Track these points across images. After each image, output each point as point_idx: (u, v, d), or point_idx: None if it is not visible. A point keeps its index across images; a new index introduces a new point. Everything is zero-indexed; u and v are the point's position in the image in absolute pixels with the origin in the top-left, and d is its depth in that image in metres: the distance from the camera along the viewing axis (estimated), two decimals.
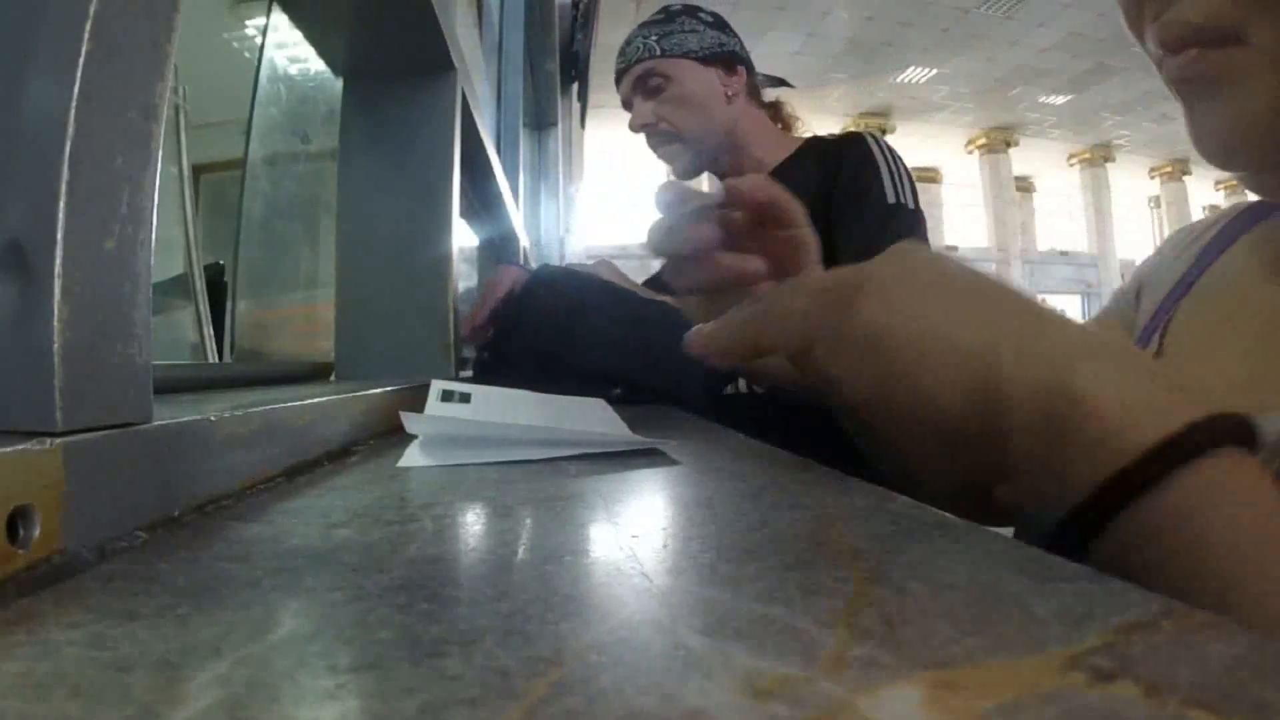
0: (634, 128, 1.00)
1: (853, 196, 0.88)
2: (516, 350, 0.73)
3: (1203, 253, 0.41)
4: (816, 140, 0.99)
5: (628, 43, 1.00)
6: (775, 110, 1.05)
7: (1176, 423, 0.21)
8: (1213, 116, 0.30)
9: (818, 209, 0.88)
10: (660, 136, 0.99)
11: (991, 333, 0.24)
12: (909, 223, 0.86)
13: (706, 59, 0.97)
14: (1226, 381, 0.33)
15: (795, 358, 0.29)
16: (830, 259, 0.82)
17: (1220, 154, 0.30)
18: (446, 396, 0.42)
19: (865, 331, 0.26)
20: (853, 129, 1.01)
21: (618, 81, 1.02)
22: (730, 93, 0.98)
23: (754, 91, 1.01)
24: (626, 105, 1.02)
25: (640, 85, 0.99)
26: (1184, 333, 0.38)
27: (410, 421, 0.34)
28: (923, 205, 0.90)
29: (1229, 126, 0.29)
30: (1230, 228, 0.41)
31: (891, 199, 0.86)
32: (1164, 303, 0.41)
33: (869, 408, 0.27)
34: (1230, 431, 0.21)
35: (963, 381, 0.24)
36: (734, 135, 0.99)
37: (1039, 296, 0.27)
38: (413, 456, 0.32)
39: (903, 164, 0.91)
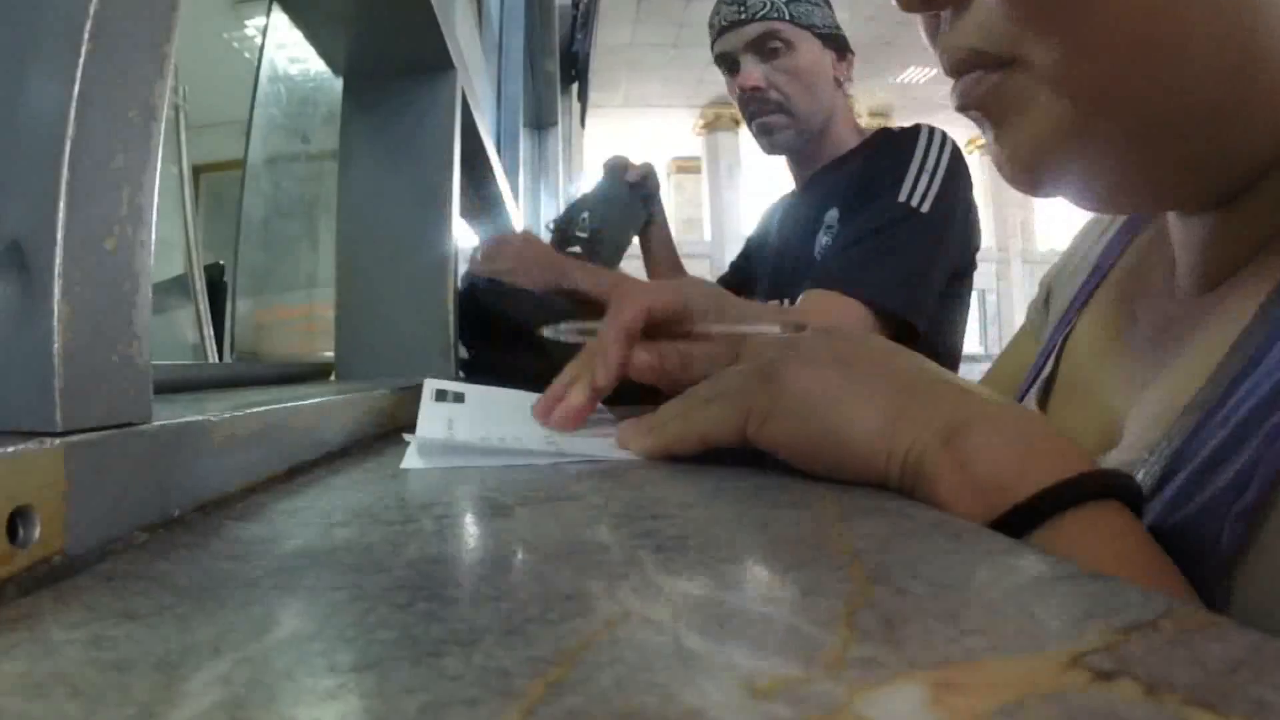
0: (745, 86, 0.93)
1: (867, 185, 0.85)
2: (498, 356, 0.71)
3: (1101, 258, 0.41)
4: (885, 130, 0.96)
5: None
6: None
7: (1011, 499, 0.23)
8: (1004, 142, 0.29)
9: (850, 192, 0.87)
10: (763, 103, 0.93)
11: (906, 407, 0.27)
12: (912, 226, 0.82)
13: (825, 38, 0.93)
14: (1113, 402, 0.33)
15: (732, 436, 0.31)
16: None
17: (1022, 179, 0.30)
18: (440, 396, 0.41)
19: (796, 400, 0.29)
20: (923, 123, 0.92)
21: (723, 30, 0.94)
22: (840, 79, 0.95)
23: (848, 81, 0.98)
24: (726, 59, 0.95)
25: (757, 45, 0.92)
26: (1079, 350, 0.39)
27: (413, 453, 0.32)
28: None
29: (1023, 153, 0.29)
30: (1123, 233, 0.41)
31: (902, 197, 0.82)
32: (1065, 314, 0.42)
33: (804, 460, 0.29)
34: (1089, 485, 0.23)
35: (869, 455, 0.27)
36: (830, 124, 0.95)
37: (932, 370, 0.31)
38: (414, 457, 0.31)
39: (945, 165, 0.85)
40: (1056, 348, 0.40)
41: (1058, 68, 0.26)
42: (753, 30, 0.92)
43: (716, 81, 1.00)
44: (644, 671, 0.11)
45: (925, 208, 0.82)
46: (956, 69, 0.29)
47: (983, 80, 0.28)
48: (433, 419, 0.38)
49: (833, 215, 0.90)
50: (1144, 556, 0.23)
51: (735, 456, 0.32)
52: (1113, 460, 0.29)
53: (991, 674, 0.11)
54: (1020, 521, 0.23)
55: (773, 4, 0.91)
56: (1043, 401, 0.39)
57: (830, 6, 0.96)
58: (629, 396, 0.70)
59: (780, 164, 1.04)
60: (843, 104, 0.97)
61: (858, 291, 0.78)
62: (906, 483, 0.26)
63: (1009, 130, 0.29)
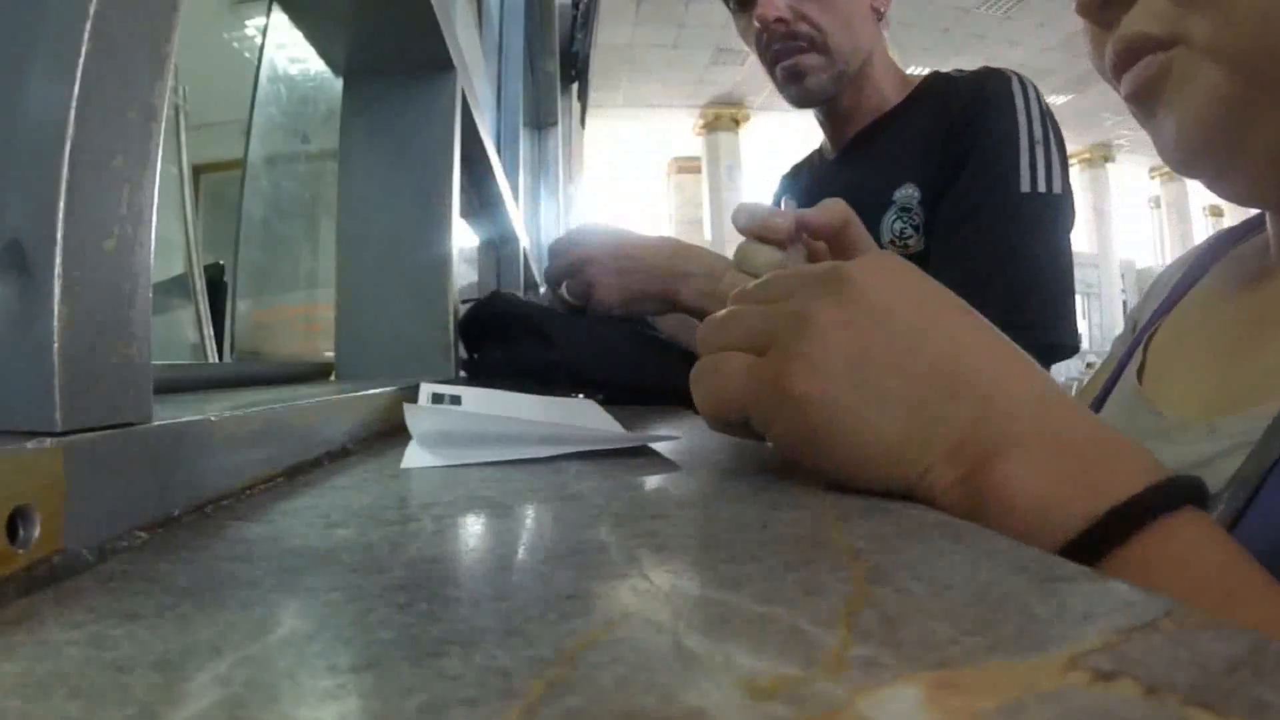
0: (767, 17, 0.75)
1: (974, 172, 0.68)
2: (497, 359, 0.71)
3: (1180, 281, 0.43)
4: (942, 77, 0.80)
5: None
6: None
7: (1100, 506, 0.21)
8: (1168, 122, 0.30)
9: (931, 167, 0.71)
10: (793, 41, 0.77)
11: (920, 426, 0.24)
12: (1036, 220, 0.67)
13: None
14: (1198, 383, 0.34)
15: (730, 428, 0.30)
16: (931, 233, 0.70)
17: (1181, 159, 0.31)
18: (437, 399, 0.41)
19: (798, 409, 0.26)
20: (989, 65, 0.75)
21: None
22: (881, 9, 0.79)
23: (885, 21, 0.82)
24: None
25: None
26: (1162, 344, 0.40)
27: (412, 415, 0.34)
28: None
29: (1183, 128, 0.30)
30: (1204, 257, 0.43)
31: (1025, 185, 0.67)
32: (1151, 319, 0.43)
33: (805, 460, 0.27)
34: (1166, 494, 0.21)
35: (890, 471, 0.25)
36: (869, 66, 0.79)
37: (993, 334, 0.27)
38: (414, 457, 0.31)
39: (1050, 122, 0.70)
40: (1143, 343, 0.41)
41: (1217, 39, 0.27)
42: None
43: (716, 82, 0.93)
44: (644, 671, 0.11)
45: (1047, 186, 0.67)
46: (1125, 59, 0.30)
47: (1150, 63, 0.29)
48: (429, 420, 0.38)
49: (908, 195, 0.74)
50: (1234, 568, 0.21)
51: (735, 455, 0.32)
52: (1234, 426, 0.29)
53: (991, 674, 0.11)
54: (1082, 552, 0.20)
55: None
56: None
57: None
58: (631, 398, 0.70)
59: (778, 161, 0.97)
60: (882, 42, 0.81)
61: (1020, 332, 0.68)
62: (959, 509, 0.23)
63: (1175, 109, 0.29)
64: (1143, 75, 0.30)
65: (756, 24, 0.77)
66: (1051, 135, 0.70)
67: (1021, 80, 0.72)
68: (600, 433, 0.35)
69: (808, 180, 0.92)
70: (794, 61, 0.78)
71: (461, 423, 0.35)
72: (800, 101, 0.82)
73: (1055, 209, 0.68)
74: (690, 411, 0.61)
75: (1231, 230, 0.42)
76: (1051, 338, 0.67)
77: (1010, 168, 0.68)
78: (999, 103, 0.71)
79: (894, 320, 0.26)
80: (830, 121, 0.85)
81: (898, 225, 0.74)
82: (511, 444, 0.33)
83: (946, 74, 0.80)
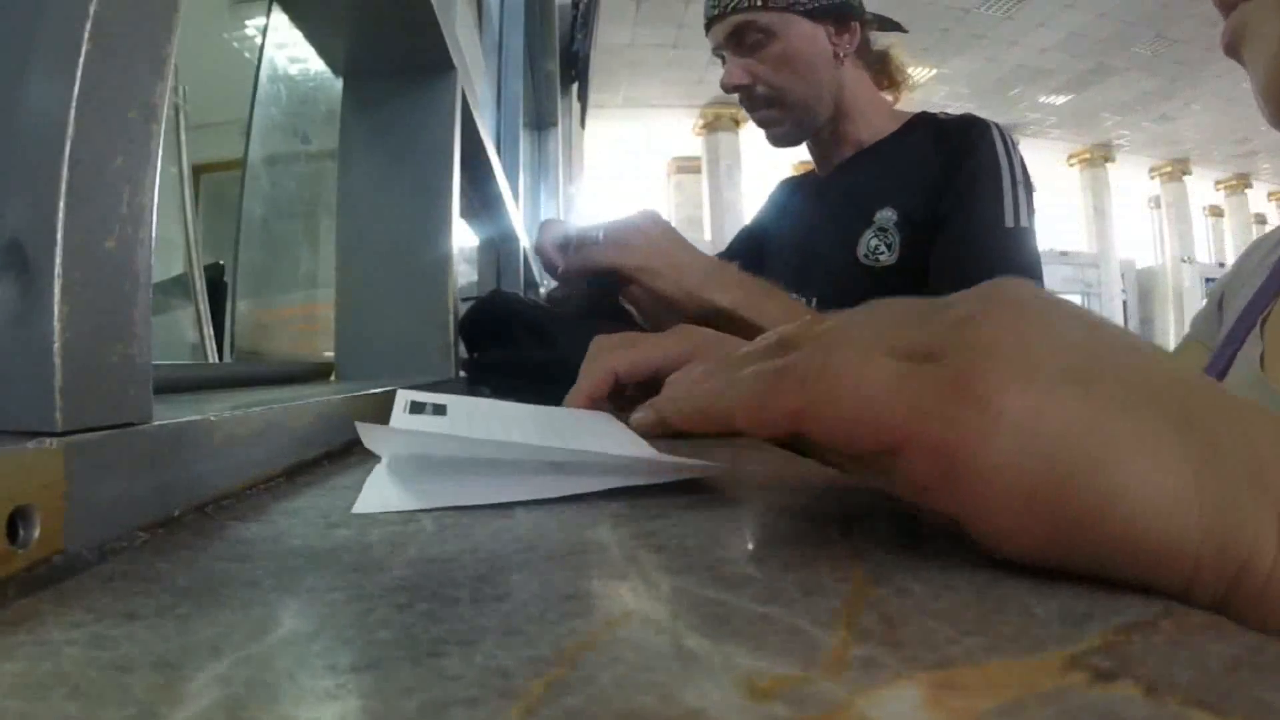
0: (727, 87, 0.87)
1: (966, 212, 0.78)
2: (497, 359, 0.70)
3: None
4: (929, 118, 0.88)
5: None
6: (883, 64, 0.91)
7: None
8: (1252, 72, 0.30)
9: (930, 208, 0.80)
10: (753, 100, 0.87)
11: (1179, 479, 0.15)
12: (1020, 248, 0.77)
13: (815, 13, 0.84)
14: None
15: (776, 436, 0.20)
16: (923, 272, 0.73)
17: (1262, 107, 0.31)
18: (416, 408, 0.33)
19: (1022, 438, 0.15)
20: (971, 112, 0.85)
21: (708, 27, 0.88)
22: (841, 53, 0.86)
23: (864, 47, 0.88)
24: (718, 55, 0.89)
25: (735, 39, 0.85)
26: None
27: (371, 437, 0.26)
28: None
29: (1257, 78, 0.30)
30: None
31: (1009, 221, 0.77)
32: (1256, 298, 0.41)
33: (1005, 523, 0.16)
34: None
35: (1161, 552, 0.15)
36: (840, 102, 0.87)
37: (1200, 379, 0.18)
38: (375, 494, 0.23)
39: (1024, 166, 0.80)
40: (1257, 325, 0.40)
41: None
42: (730, 23, 0.85)
43: (715, 81, 0.95)
44: (644, 671, 0.11)
45: (1025, 221, 0.78)
46: (1223, 14, 0.31)
47: (1233, 17, 0.31)
48: (402, 441, 0.29)
49: (887, 217, 0.82)
50: None
51: (735, 455, 0.32)
52: None
53: (991, 674, 0.11)
54: None
55: None
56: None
57: None
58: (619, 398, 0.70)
59: (778, 161, 1.01)
60: (855, 77, 0.88)
61: None
62: (1219, 587, 0.15)
63: (1251, 60, 0.30)
64: (1228, 29, 0.31)
65: (722, 88, 0.88)
66: (1025, 176, 0.80)
67: (999, 128, 0.83)
68: (628, 461, 0.26)
69: (802, 196, 0.99)
70: (759, 117, 0.89)
71: (442, 447, 0.27)
72: (776, 145, 0.92)
73: (1031, 238, 0.79)
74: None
75: None
76: None
77: (997, 205, 0.78)
78: (985, 147, 0.80)
79: (1093, 319, 0.18)
80: (818, 149, 0.94)
81: (874, 242, 0.83)
82: (514, 477, 0.25)
83: (933, 115, 0.89)
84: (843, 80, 0.87)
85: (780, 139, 0.91)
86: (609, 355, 0.41)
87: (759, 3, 0.84)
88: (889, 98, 0.93)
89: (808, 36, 0.85)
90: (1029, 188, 0.80)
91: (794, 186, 1.03)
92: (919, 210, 0.80)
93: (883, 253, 0.82)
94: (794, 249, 0.92)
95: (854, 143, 0.89)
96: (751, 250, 0.99)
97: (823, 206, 0.91)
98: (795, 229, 0.95)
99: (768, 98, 0.86)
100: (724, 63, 0.89)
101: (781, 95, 0.86)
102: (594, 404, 0.41)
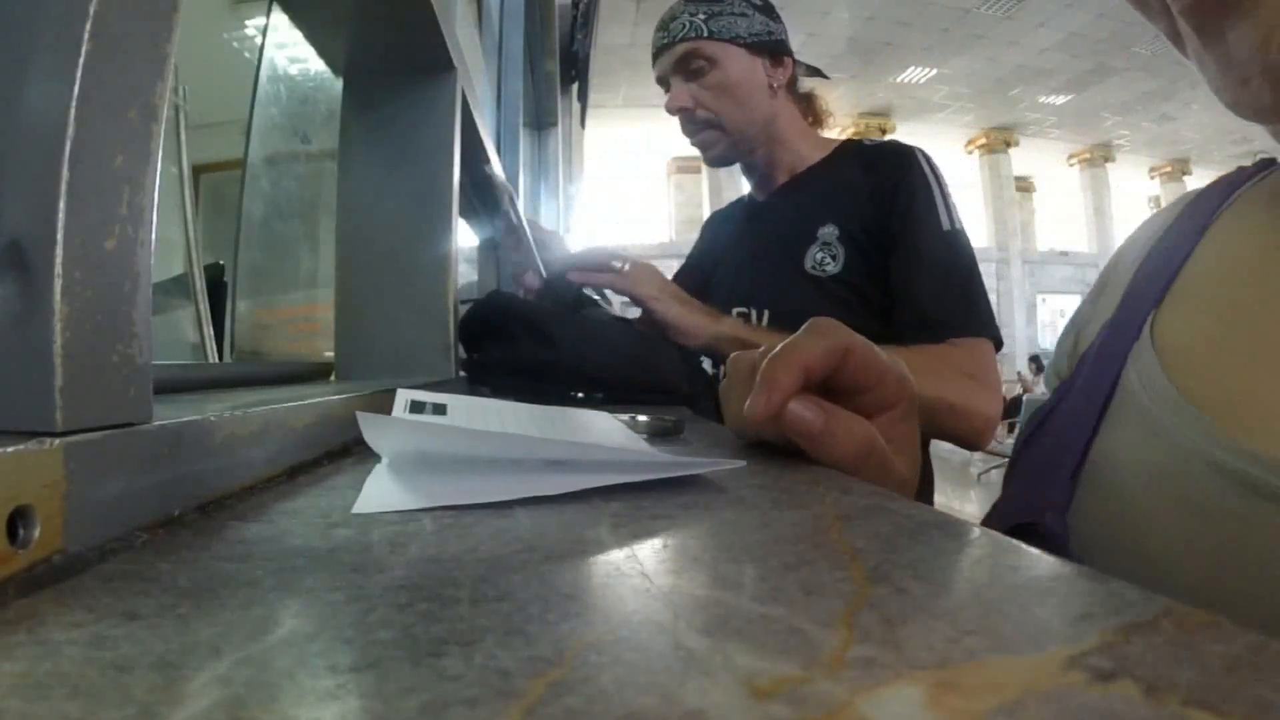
0: (671, 110, 0.96)
1: (912, 226, 0.88)
2: (496, 359, 0.70)
3: (1174, 246, 0.34)
4: (855, 144, 0.98)
5: (672, 17, 0.95)
6: (809, 103, 1.02)
7: None
8: (1225, 51, 0.25)
9: (868, 223, 0.90)
10: (694, 123, 0.96)
11: None
12: (960, 245, 0.87)
13: (754, 47, 0.94)
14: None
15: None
16: (884, 283, 0.85)
17: (1237, 94, 0.26)
18: (416, 408, 0.34)
19: None
20: (893, 139, 1.02)
21: (656, 57, 0.98)
22: (775, 85, 0.95)
23: (793, 84, 0.99)
24: (663, 83, 0.98)
25: (681, 65, 0.94)
26: (1198, 343, 0.30)
27: (372, 430, 0.26)
28: None
29: (1241, 59, 0.25)
30: (1195, 210, 0.35)
31: (946, 225, 0.87)
32: (1131, 311, 0.34)
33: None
34: None
35: None
36: (773, 130, 0.97)
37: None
38: (375, 494, 0.24)
39: (945, 181, 0.91)
40: (1145, 331, 0.32)
41: None
42: (677, 52, 0.94)
43: None
44: (644, 671, 0.11)
45: (959, 223, 0.88)
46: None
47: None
48: (403, 436, 0.29)
49: (829, 232, 0.92)
50: None
51: (735, 454, 0.32)
52: None
53: (991, 674, 0.11)
54: None
55: (692, 24, 0.93)
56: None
57: (768, 13, 0.96)
58: (630, 397, 0.71)
59: None
60: (787, 109, 0.98)
61: (985, 331, 0.84)
62: None
63: (1228, 34, 0.25)
64: None
65: (666, 111, 0.97)
66: (947, 185, 0.91)
67: (920, 150, 0.94)
68: (638, 457, 0.27)
69: (735, 223, 1.09)
70: (698, 139, 0.98)
71: (442, 442, 0.27)
72: (712, 165, 1.02)
73: (965, 235, 0.89)
74: (704, 419, 0.61)
75: (1227, 177, 0.35)
76: (998, 333, 0.87)
77: (934, 215, 0.88)
78: (914, 169, 0.90)
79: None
80: (753, 174, 1.04)
81: (819, 255, 0.93)
82: (514, 475, 0.26)
83: (858, 141, 0.99)
84: (776, 110, 0.97)
85: (716, 160, 1.00)
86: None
87: (705, 32, 0.93)
88: (816, 130, 1.04)
89: (747, 67, 0.94)
90: (951, 197, 0.91)
91: (724, 217, 1.16)
92: (855, 225, 0.91)
93: (828, 264, 0.92)
94: (739, 267, 1.02)
95: (787, 167, 0.99)
96: (698, 283, 1.07)
97: (764, 226, 1.01)
98: (738, 250, 1.04)
99: (708, 120, 0.95)
100: (666, 90, 0.98)
101: (720, 120, 0.95)
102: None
